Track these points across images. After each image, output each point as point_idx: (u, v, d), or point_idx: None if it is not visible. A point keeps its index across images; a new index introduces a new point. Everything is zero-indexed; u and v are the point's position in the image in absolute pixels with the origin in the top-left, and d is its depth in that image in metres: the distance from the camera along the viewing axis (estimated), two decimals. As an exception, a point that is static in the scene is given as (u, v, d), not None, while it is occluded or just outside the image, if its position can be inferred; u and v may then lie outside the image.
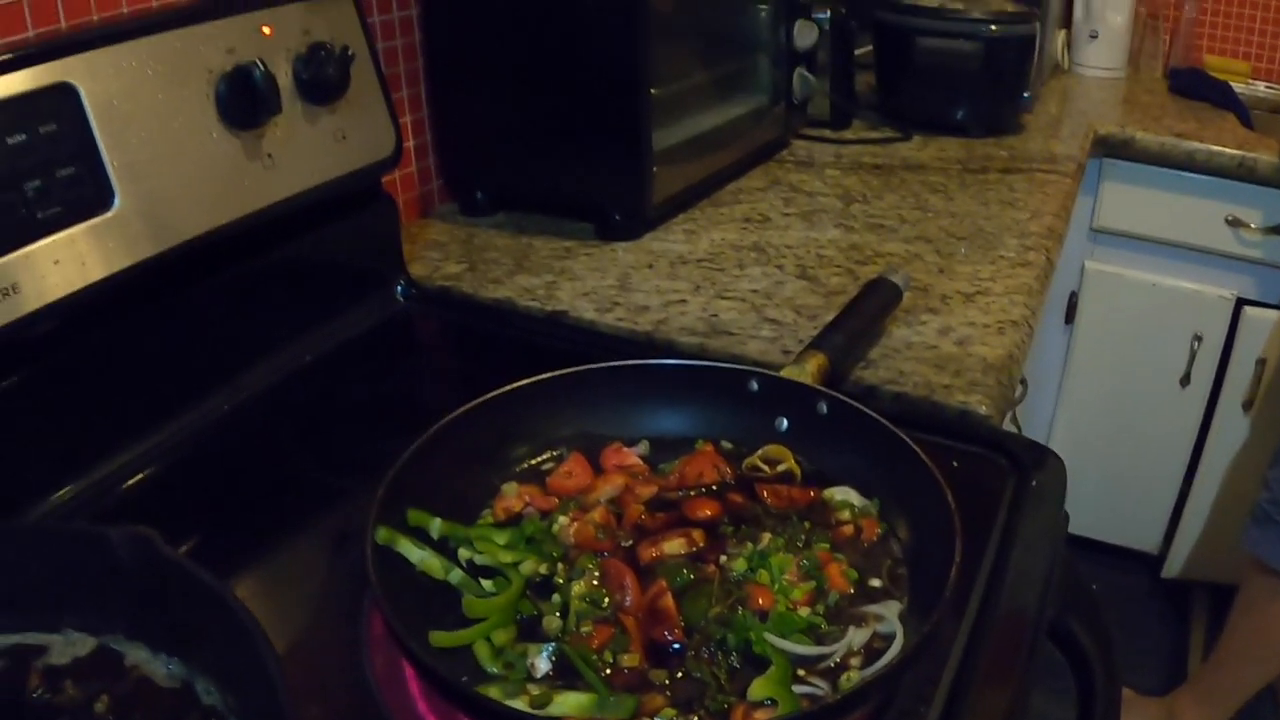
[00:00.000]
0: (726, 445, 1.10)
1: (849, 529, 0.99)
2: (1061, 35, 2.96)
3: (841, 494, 1.03)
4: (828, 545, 0.96)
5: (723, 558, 0.94)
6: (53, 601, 0.86)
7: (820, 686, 0.83)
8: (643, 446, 1.09)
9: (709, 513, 1.00)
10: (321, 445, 1.22)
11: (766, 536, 0.96)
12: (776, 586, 0.91)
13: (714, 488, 1.04)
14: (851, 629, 0.88)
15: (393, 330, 1.45)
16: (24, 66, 1.02)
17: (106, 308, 1.10)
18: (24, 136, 1.01)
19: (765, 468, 1.07)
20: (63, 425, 1.10)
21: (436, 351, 1.54)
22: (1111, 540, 2.99)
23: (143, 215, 1.10)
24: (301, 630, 0.94)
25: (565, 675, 0.84)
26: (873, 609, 0.90)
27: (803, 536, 0.97)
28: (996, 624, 0.93)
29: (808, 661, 0.85)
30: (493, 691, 0.81)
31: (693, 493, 1.03)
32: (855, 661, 0.85)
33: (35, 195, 1.02)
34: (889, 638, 0.87)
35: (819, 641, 0.87)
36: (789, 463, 1.07)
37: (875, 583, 0.94)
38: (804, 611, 0.89)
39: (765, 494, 1.03)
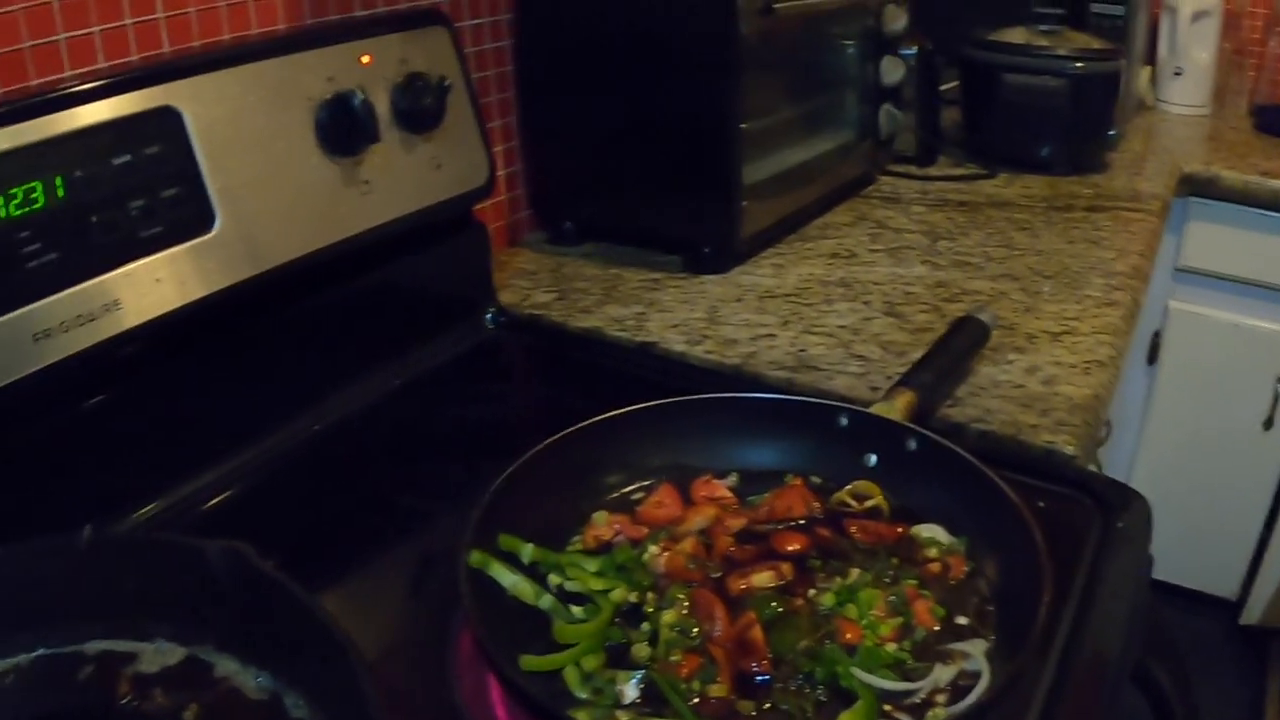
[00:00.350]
0: (816, 480, 1.10)
1: (936, 566, 0.98)
2: (1146, 72, 2.94)
3: (929, 531, 1.02)
4: (915, 582, 0.96)
5: (811, 591, 0.94)
6: (144, 610, 0.87)
7: (906, 722, 0.83)
8: (732, 479, 1.10)
9: (797, 546, 1.00)
10: (409, 469, 1.23)
11: (855, 572, 0.96)
12: (864, 621, 0.91)
13: (802, 522, 1.04)
14: (938, 666, 0.87)
15: (482, 357, 1.47)
16: (129, 90, 1.04)
17: (204, 326, 1.12)
18: (128, 157, 1.03)
19: (853, 503, 1.07)
20: (154, 440, 1.12)
21: (525, 379, 1.55)
22: (1189, 585, 2.95)
23: (242, 237, 1.12)
24: (387, 650, 0.95)
25: (653, 703, 0.84)
26: (959, 646, 0.90)
27: (890, 572, 0.97)
28: (1080, 665, 0.92)
29: (894, 697, 0.85)
30: (581, 717, 0.82)
31: (781, 526, 1.03)
32: (941, 699, 0.85)
33: (138, 215, 1.04)
34: (975, 675, 0.86)
35: (905, 677, 0.87)
36: (877, 499, 1.06)
37: (962, 620, 0.93)
38: (891, 647, 0.89)
39: (853, 529, 1.02)
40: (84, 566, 0.86)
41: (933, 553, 1.00)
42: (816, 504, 1.06)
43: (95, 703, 0.83)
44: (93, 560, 0.87)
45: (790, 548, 1.00)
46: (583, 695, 0.85)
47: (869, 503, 1.07)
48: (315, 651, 0.79)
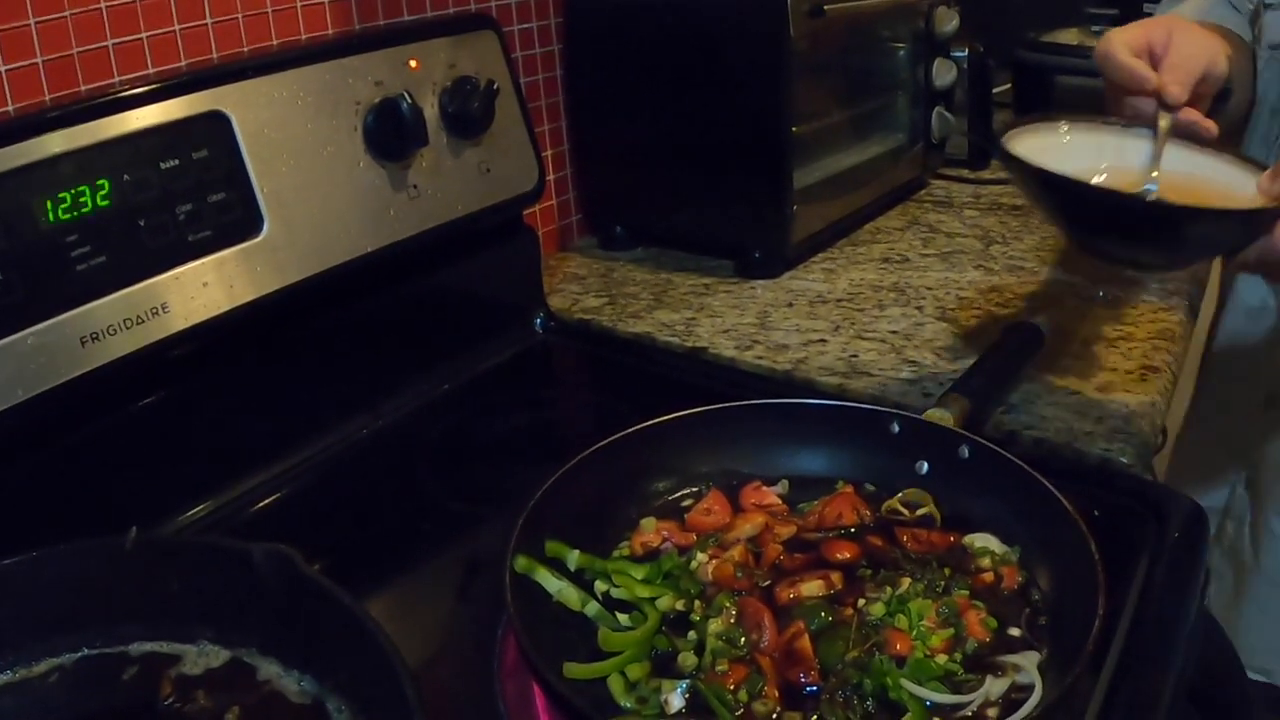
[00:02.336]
0: (868, 487, 1.08)
1: (989, 576, 0.96)
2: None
3: (982, 540, 1.00)
4: (967, 592, 0.94)
5: (861, 601, 0.92)
6: (189, 612, 0.87)
7: (956, 736, 0.81)
8: (782, 486, 1.08)
9: (847, 555, 0.99)
10: (457, 473, 1.22)
11: (906, 581, 0.94)
12: (915, 632, 0.89)
13: (853, 530, 1.02)
14: (990, 678, 0.85)
15: (531, 362, 1.47)
16: (178, 95, 1.05)
17: (252, 330, 1.12)
18: (176, 161, 1.04)
19: (905, 511, 1.05)
20: (203, 442, 1.13)
21: (574, 384, 1.54)
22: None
23: (291, 241, 1.12)
24: (432, 655, 0.95)
25: (699, 713, 0.82)
26: (1011, 659, 0.87)
27: (942, 582, 0.95)
28: (1135, 682, 0.90)
29: (944, 710, 0.83)
30: (626, 726, 0.81)
31: (831, 534, 1.02)
32: (992, 713, 0.83)
33: (186, 218, 1.04)
34: (1027, 689, 0.84)
35: (956, 690, 0.84)
36: (929, 507, 1.05)
37: (1014, 632, 0.91)
38: (941, 659, 0.87)
39: (905, 538, 1.01)
40: (129, 568, 0.87)
41: (985, 563, 0.98)
42: (867, 511, 1.04)
43: (138, 704, 0.84)
44: (138, 562, 0.87)
45: (840, 556, 0.98)
46: (627, 704, 0.83)
47: (920, 511, 1.05)
48: (359, 657, 0.78)
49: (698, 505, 1.05)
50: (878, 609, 0.91)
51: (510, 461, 1.23)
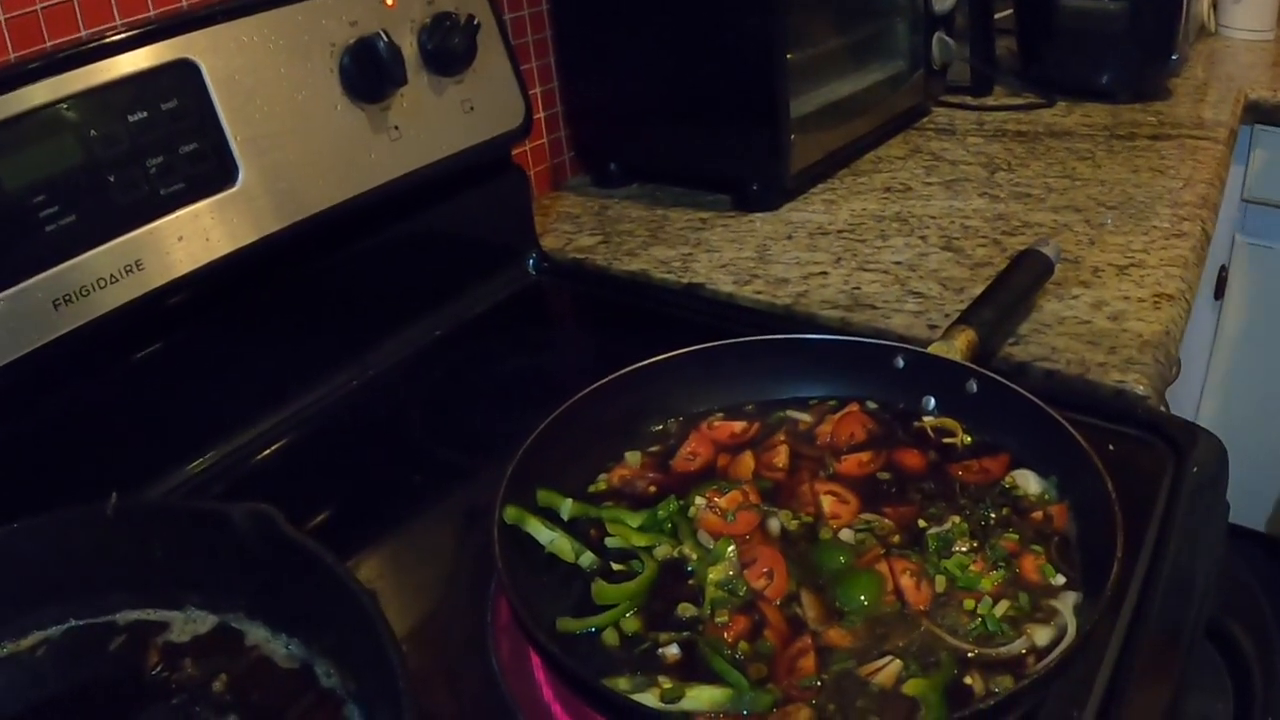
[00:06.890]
0: (871, 406, 1.07)
1: (1039, 515, 0.92)
2: (1207, -5, 2.84)
3: (1022, 478, 0.97)
4: (1016, 536, 0.90)
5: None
6: (175, 578, 0.86)
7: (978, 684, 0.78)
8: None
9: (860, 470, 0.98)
10: (451, 421, 1.21)
11: (954, 520, 0.91)
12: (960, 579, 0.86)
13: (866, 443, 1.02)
14: (1037, 627, 0.81)
15: (525, 304, 1.45)
16: (145, 44, 1.02)
17: (232, 283, 1.11)
18: (145, 114, 1.01)
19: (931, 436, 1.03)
20: (188, 401, 1.11)
21: (569, 325, 1.53)
22: (1261, 529, 2.87)
23: (268, 190, 1.10)
24: (426, 612, 0.94)
25: (699, 666, 0.80)
26: (1054, 602, 0.83)
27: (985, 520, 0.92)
28: (1154, 621, 0.87)
29: (979, 660, 0.79)
30: (621, 683, 0.78)
31: (844, 454, 1.00)
32: (1031, 659, 0.79)
33: (158, 172, 1.02)
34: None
35: (989, 640, 0.81)
36: (959, 435, 1.02)
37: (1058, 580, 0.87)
38: (1001, 607, 0.83)
39: (959, 472, 0.98)
40: (112, 535, 0.86)
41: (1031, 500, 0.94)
42: (874, 425, 1.03)
43: (125, 674, 0.83)
44: (120, 528, 0.86)
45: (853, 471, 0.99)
46: (623, 658, 0.81)
47: (946, 440, 1.02)
48: (345, 619, 0.77)
49: (685, 450, 1.03)
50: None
51: (505, 408, 1.21)
